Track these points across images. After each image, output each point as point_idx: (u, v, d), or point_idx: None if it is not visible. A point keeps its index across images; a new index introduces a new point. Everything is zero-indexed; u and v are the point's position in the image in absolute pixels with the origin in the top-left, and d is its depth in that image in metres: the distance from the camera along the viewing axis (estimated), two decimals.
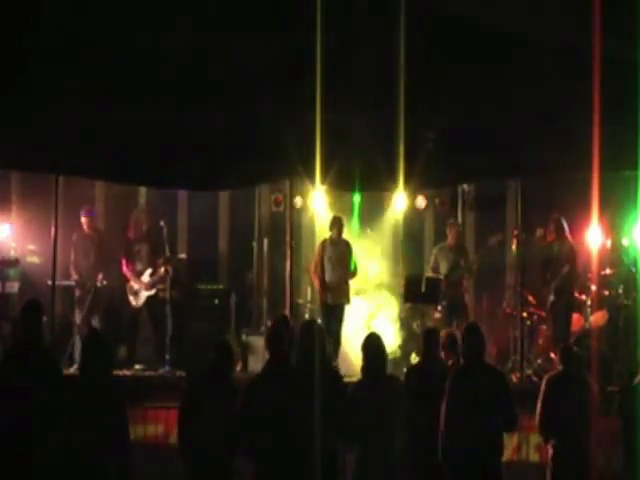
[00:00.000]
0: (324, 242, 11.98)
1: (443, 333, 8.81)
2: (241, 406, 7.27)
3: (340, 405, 7.08)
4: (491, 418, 7.33)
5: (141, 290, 11.76)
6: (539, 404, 8.48)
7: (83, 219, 11.87)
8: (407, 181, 10.67)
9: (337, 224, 11.92)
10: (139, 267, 11.84)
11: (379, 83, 9.50)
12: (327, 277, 11.84)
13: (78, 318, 11.67)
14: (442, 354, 8.52)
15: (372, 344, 7.46)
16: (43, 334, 7.78)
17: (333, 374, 7.48)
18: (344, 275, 11.91)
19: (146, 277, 11.79)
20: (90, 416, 6.52)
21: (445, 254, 12.45)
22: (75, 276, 11.83)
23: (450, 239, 12.54)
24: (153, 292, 11.80)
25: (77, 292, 11.82)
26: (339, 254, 11.92)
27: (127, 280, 11.84)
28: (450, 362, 8.47)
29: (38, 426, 6.75)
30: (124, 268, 11.85)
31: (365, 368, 7.40)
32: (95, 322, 11.77)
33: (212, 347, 7.59)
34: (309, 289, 12.83)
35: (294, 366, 7.28)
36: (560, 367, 8.63)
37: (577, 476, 8.37)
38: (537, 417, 8.49)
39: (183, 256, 12.64)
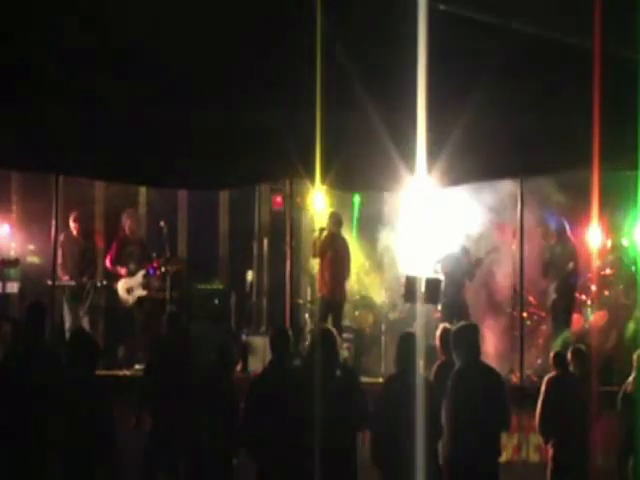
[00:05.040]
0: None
1: (440, 328, 8.83)
2: (242, 406, 7.28)
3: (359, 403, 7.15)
4: (489, 418, 7.33)
5: (134, 289, 11.78)
6: (539, 404, 8.50)
7: (72, 224, 11.96)
8: (407, 181, 10.66)
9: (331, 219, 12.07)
10: (132, 267, 11.88)
11: (379, 83, 9.49)
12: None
13: (68, 319, 11.74)
14: (438, 350, 8.54)
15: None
16: (46, 335, 7.78)
17: (350, 375, 7.50)
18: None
19: (139, 277, 11.82)
20: (74, 414, 6.52)
21: (447, 253, 12.47)
22: (65, 277, 11.87)
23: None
24: (145, 292, 11.82)
25: (68, 291, 11.85)
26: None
27: (111, 272, 11.89)
28: (440, 360, 8.49)
29: (38, 425, 6.76)
30: (107, 263, 11.87)
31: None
32: (97, 322, 11.84)
33: (213, 348, 7.61)
34: (309, 289, 12.84)
35: (299, 367, 7.32)
36: (556, 371, 8.66)
37: (577, 476, 8.38)
38: (537, 417, 8.50)
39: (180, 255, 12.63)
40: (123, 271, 11.83)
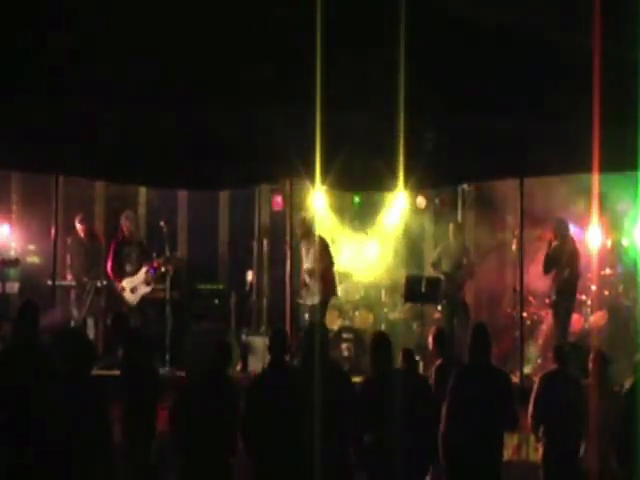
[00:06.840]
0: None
1: (433, 329, 8.84)
2: (241, 406, 7.28)
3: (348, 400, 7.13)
4: (492, 418, 7.32)
5: (138, 287, 11.75)
6: (531, 402, 8.46)
7: (78, 226, 12.04)
8: (407, 181, 10.66)
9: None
10: (129, 269, 11.86)
11: (379, 83, 9.50)
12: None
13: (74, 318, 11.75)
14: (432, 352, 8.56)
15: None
16: (40, 334, 7.76)
17: (339, 372, 7.51)
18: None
19: (141, 275, 11.80)
20: (70, 415, 6.52)
21: (448, 253, 12.51)
22: (70, 277, 11.95)
23: (452, 238, 12.62)
24: (149, 289, 11.80)
25: (73, 292, 11.89)
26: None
27: (112, 279, 11.87)
28: (439, 362, 8.50)
29: (35, 426, 6.75)
30: (108, 269, 11.88)
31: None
32: (97, 322, 11.84)
33: (213, 347, 7.62)
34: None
35: (296, 367, 7.31)
36: (554, 366, 8.62)
37: (568, 475, 8.34)
38: (529, 415, 8.46)
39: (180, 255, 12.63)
40: (121, 278, 11.83)
